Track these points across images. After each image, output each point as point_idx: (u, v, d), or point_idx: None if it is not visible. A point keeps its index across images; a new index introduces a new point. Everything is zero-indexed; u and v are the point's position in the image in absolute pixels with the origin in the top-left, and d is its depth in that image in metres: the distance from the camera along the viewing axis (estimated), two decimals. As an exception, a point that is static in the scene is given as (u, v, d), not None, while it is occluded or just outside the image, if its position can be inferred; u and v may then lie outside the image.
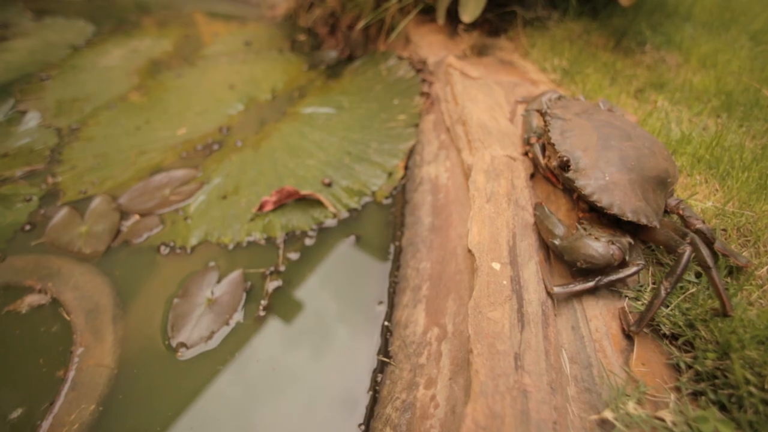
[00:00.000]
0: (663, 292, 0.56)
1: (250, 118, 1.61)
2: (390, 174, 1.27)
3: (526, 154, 0.89)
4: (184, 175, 1.31)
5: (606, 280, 0.61)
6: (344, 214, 1.16)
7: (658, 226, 0.63)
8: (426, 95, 1.45)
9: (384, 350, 0.85)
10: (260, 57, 2.07)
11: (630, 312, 0.63)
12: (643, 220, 0.63)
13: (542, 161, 0.82)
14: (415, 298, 0.88)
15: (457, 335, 0.72)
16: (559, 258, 0.68)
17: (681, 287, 0.64)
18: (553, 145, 0.72)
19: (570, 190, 0.76)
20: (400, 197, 1.21)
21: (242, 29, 2.43)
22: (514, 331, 0.58)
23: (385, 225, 1.13)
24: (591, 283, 0.62)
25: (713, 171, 0.84)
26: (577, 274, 0.67)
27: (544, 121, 0.78)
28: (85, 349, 0.86)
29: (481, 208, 0.74)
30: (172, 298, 0.96)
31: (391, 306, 0.93)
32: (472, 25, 1.57)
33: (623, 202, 0.63)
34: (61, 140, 1.47)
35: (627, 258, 0.62)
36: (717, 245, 0.64)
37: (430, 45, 1.57)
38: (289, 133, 1.49)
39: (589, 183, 0.66)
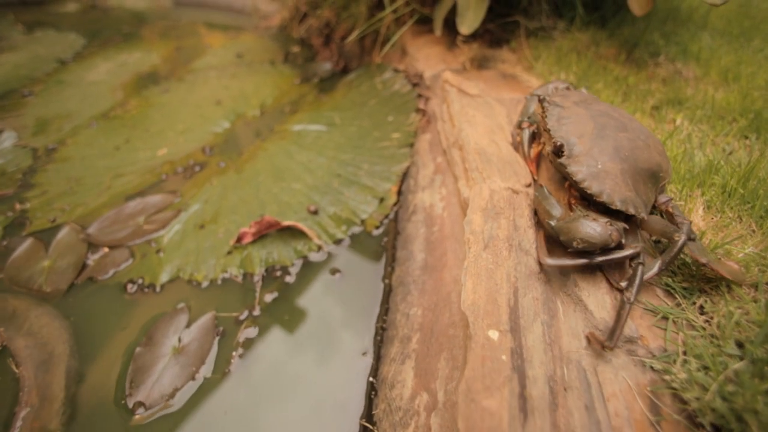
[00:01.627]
0: (640, 271, 0.57)
1: (236, 136, 1.52)
2: (381, 200, 1.17)
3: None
4: (160, 201, 1.21)
5: (601, 258, 0.60)
6: (330, 247, 1.06)
7: (645, 218, 0.63)
8: (422, 112, 1.35)
9: (368, 413, 0.74)
10: (251, 70, 1.98)
11: (654, 389, 0.52)
12: (632, 210, 0.62)
13: (527, 149, 0.84)
14: (403, 352, 0.77)
15: (448, 408, 0.61)
16: (554, 239, 0.64)
17: (722, 362, 0.52)
18: (549, 130, 0.72)
19: (563, 178, 0.76)
20: (392, 226, 1.11)
21: (235, 41, 2.35)
22: (514, 424, 0.47)
23: (375, 259, 1.03)
24: (584, 260, 0.60)
25: (748, 207, 0.73)
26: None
27: (542, 108, 0.77)
28: (30, 410, 0.76)
29: (478, 257, 0.63)
30: (135, 345, 0.86)
31: (377, 358, 0.82)
32: (472, 37, 1.47)
33: (613, 190, 0.63)
34: (36, 162, 1.39)
35: (623, 242, 0.61)
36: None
37: (427, 57, 1.47)
38: (275, 153, 1.39)
39: (581, 170, 0.66)
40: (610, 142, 0.67)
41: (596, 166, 0.65)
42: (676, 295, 0.62)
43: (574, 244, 0.59)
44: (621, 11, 1.67)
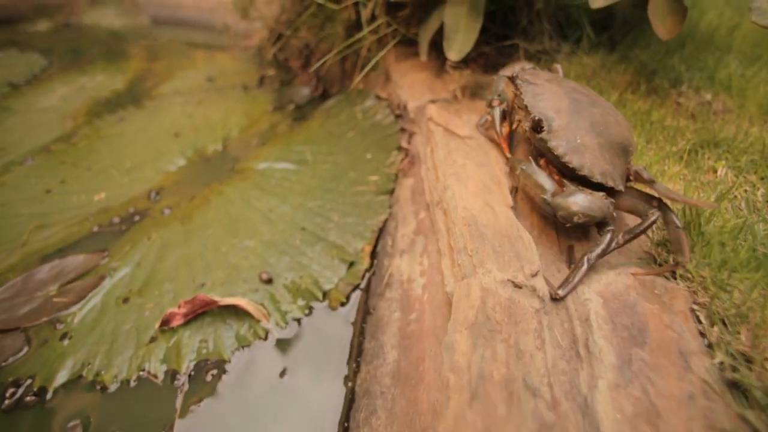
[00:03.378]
0: (614, 244, 0.60)
1: (191, 176, 1.30)
2: (351, 264, 0.95)
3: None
4: (82, 264, 0.99)
5: (594, 256, 0.59)
6: (283, 332, 0.83)
7: (623, 190, 0.65)
8: (404, 151, 1.13)
9: None
10: (221, 95, 1.79)
11: None
12: (611, 183, 0.63)
13: (499, 128, 0.83)
14: None
15: None
16: (548, 216, 0.65)
17: None
18: (526, 106, 0.72)
19: (540, 154, 0.74)
20: (362, 299, 0.89)
21: (209, 62, 2.16)
22: None
23: (338, 349, 0.80)
24: (585, 267, 0.59)
25: None
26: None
27: (515, 85, 0.77)
28: None
29: (459, 420, 0.41)
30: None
31: None
32: (464, 62, 1.27)
33: (593, 164, 0.64)
34: (-52, 209, 1.17)
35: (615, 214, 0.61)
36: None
37: (411, 85, 1.27)
38: (232, 198, 1.18)
39: (561, 144, 0.66)
40: (586, 117, 0.67)
41: (576, 140, 0.65)
42: None
43: (575, 219, 0.58)
44: (632, 32, 1.48)
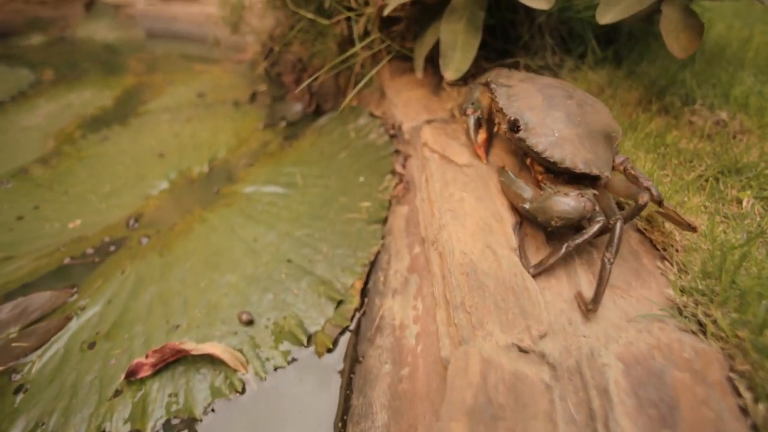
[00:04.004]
0: (618, 228, 0.58)
1: (173, 201, 1.23)
2: (340, 303, 0.87)
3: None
4: (48, 301, 0.91)
5: (574, 244, 0.58)
6: (262, 384, 0.75)
7: (609, 177, 0.66)
8: (398, 176, 1.06)
9: None
10: (210, 112, 1.72)
11: None
12: (595, 171, 0.64)
13: (473, 135, 0.84)
14: None
15: None
16: (531, 222, 0.66)
17: None
18: (501, 109, 0.73)
19: (524, 154, 0.76)
20: (352, 342, 0.80)
21: (201, 77, 2.11)
22: None
23: (324, 406, 0.72)
24: (562, 251, 0.59)
25: None
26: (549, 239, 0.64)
27: (490, 90, 0.78)
28: None
29: None
30: None
31: None
32: (462, 78, 1.20)
33: (574, 155, 0.64)
34: None
35: (597, 209, 0.61)
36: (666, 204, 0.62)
37: (406, 104, 1.20)
38: (215, 225, 1.10)
39: (540, 140, 0.66)
40: (561, 110, 0.68)
41: (554, 135, 0.66)
42: None
43: (553, 223, 0.60)
44: (638, 45, 1.41)
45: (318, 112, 1.70)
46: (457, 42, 0.96)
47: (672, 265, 0.63)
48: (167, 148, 1.46)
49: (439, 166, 0.81)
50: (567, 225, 0.59)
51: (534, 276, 0.58)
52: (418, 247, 0.83)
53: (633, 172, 0.66)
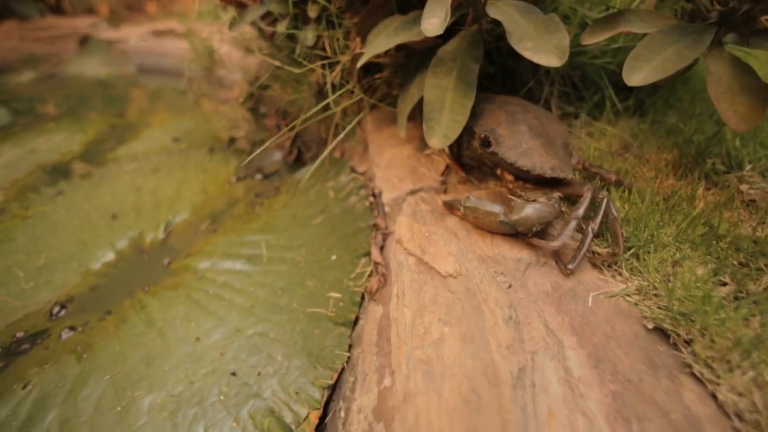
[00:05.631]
0: (591, 233, 0.65)
1: (114, 279, 1.04)
2: (287, 449, 0.65)
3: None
4: None
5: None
6: None
7: (572, 177, 0.73)
8: (374, 264, 0.85)
9: None
10: (181, 161, 1.56)
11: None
12: (562, 175, 0.71)
13: (449, 160, 0.91)
14: None
15: None
16: (511, 233, 0.69)
17: None
18: (471, 128, 0.78)
19: (493, 166, 0.82)
20: None
21: (180, 118, 1.97)
22: None
23: None
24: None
25: None
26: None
27: None
28: None
29: None
30: None
31: None
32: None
33: (542, 162, 0.71)
34: None
35: (564, 209, 0.73)
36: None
37: (389, 165, 1.01)
38: (153, 318, 0.90)
39: (510, 153, 0.72)
40: (523, 123, 0.76)
41: (522, 146, 0.72)
42: None
43: (534, 229, 0.65)
44: (663, 90, 1.22)
45: (299, 161, 1.52)
46: (444, 101, 0.77)
47: None
48: (123, 207, 1.29)
49: (416, 278, 0.60)
50: (544, 227, 0.67)
51: (574, 270, 0.64)
52: (389, 378, 0.62)
53: (593, 169, 0.81)
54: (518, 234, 0.67)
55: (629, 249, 0.68)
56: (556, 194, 0.69)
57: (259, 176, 1.45)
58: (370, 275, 0.84)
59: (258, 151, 1.07)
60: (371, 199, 1.03)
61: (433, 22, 0.62)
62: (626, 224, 0.74)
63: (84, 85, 2.68)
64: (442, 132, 0.76)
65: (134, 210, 1.27)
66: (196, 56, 1.76)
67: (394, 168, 0.99)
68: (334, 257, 0.97)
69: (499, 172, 0.82)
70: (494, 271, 0.65)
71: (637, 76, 0.62)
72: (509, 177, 0.78)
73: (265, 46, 1.25)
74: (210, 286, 0.97)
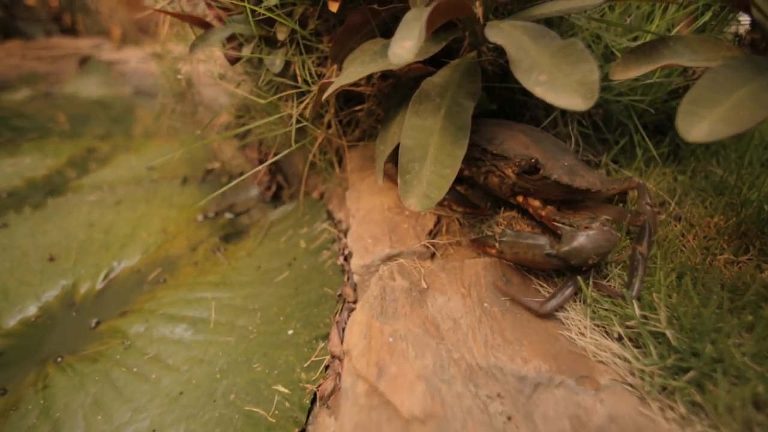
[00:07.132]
0: (642, 259, 0.58)
1: (27, 342, 0.85)
2: None
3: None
4: None
5: (582, 276, 0.58)
6: None
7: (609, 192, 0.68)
8: (332, 360, 0.65)
9: None
10: (149, 192, 1.40)
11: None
12: (606, 187, 0.66)
13: (458, 209, 0.78)
14: None
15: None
16: (561, 268, 0.58)
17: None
18: (502, 155, 0.67)
19: (512, 195, 0.73)
20: None
21: (161, 143, 1.83)
22: None
23: None
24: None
25: None
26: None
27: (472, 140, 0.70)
28: None
29: None
30: None
31: None
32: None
33: (590, 178, 0.65)
34: None
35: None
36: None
37: (365, 218, 0.82)
38: (53, 403, 0.71)
39: (559, 172, 0.64)
40: (547, 144, 0.68)
41: (564, 164, 0.65)
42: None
43: (590, 261, 0.56)
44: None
45: (276, 198, 1.35)
46: (427, 148, 0.59)
47: None
48: (67, 246, 1.12)
49: (363, 421, 0.39)
50: (602, 259, 0.58)
51: (549, 311, 0.56)
52: None
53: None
54: (571, 268, 0.58)
55: (686, 371, 0.47)
56: (604, 217, 0.59)
57: (229, 215, 1.27)
58: (325, 372, 0.64)
59: (229, 185, 0.90)
60: (341, 259, 0.84)
61: (406, 45, 0.44)
62: (671, 324, 0.53)
63: (76, 105, 2.59)
64: (423, 190, 0.57)
65: (77, 251, 1.10)
66: (166, 80, 1.63)
67: (371, 223, 0.80)
68: (290, 332, 0.77)
69: (521, 200, 0.72)
70: (486, 395, 0.45)
71: (698, 127, 0.43)
72: (536, 203, 0.70)
73: (236, 72, 1.11)
74: (136, 360, 0.78)
